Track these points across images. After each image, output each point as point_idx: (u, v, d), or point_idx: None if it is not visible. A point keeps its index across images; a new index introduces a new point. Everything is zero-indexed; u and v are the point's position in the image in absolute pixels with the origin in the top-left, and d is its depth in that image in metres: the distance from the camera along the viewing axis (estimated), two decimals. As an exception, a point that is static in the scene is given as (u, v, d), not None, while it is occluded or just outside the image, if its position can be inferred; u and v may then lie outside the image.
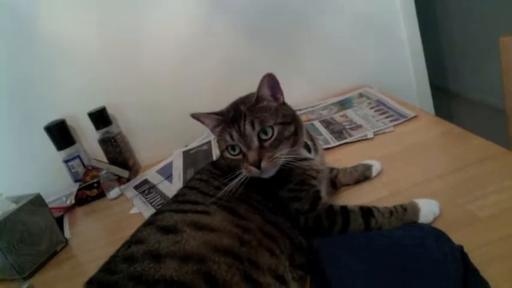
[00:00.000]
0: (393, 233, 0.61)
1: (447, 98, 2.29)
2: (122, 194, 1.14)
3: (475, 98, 2.17)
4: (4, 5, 1.17)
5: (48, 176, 1.29)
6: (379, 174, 0.81)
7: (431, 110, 1.43)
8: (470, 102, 2.21)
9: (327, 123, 1.12)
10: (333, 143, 1.01)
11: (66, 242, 0.98)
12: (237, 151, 0.67)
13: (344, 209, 0.64)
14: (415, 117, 1.00)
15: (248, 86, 1.30)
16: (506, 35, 1.00)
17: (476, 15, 2.04)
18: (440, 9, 2.33)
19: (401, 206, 0.64)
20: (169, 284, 0.48)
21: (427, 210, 0.63)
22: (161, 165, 1.23)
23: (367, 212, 0.63)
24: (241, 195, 0.64)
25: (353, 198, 0.77)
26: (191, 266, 0.50)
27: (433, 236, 0.57)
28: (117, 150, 1.25)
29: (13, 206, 0.90)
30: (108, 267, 0.53)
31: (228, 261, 0.52)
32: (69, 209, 1.17)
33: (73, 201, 1.18)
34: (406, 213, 0.63)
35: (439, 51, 2.41)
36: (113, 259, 0.55)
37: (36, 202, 0.92)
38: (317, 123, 1.14)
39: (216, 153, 1.15)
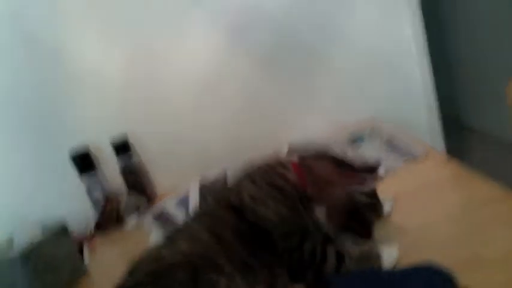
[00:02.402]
0: (402, 272, 0.64)
1: (460, 131, 2.31)
2: (140, 223, 1.19)
3: (487, 132, 2.18)
4: (34, 39, 1.26)
5: (69, 202, 1.34)
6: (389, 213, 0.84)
7: (442, 144, 1.45)
8: (483, 136, 2.22)
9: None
10: (345, 179, 1.04)
11: (86, 270, 1.02)
12: None
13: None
14: (425, 156, 1.04)
15: (263, 116, 1.37)
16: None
17: (490, 48, 2.08)
18: (453, 42, 2.38)
19: (367, 252, 0.70)
20: None
21: (388, 258, 0.69)
22: (178, 195, 1.27)
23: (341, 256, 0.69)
24: None
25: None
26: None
27: (441, 276, 0.60)
28: (137, 179, 1.30)
29: (39, 235, 0.95)
30: None
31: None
32: (89, 237, 1.22)
33: (93, 229, 1.23)
34: (370, 261, 0.69)
35: (452, 83, 2.44)
36: None
37: (61, 231, 0.98)
38: (329, 159, 1.18)
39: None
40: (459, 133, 2.19)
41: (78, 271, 1.00)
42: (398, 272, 0.64)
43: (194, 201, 1.19)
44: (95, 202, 1.30)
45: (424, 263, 0.65)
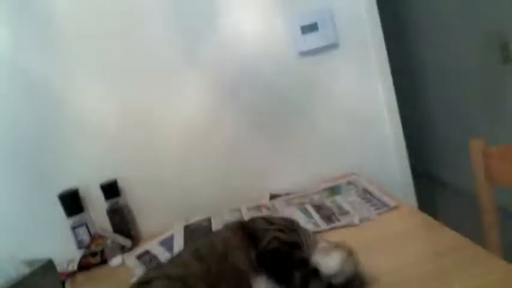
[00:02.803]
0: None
1: (431, 183, 2.44)
2: (123, 263, 1.21)
3: (456, 185, 2.31)
4: (29, 86, 1.35)
5: (53, 240, 1.37)
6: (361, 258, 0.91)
7: (413, 197, 1.56)
8: (452, 189, 2.35)
9: (318, 208, 1.24)
10: (323, 226, 1.11)
11: (69, 306, 1.04)
12: None
13: None
14: (396, 207, 1.13)
15: (247, 166, 1.45)
16: (477, 136, 1.15)
17: (457, 106, 2.26)
18: (424, 104, 2.57)
19: None
20: None
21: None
22: (163, 237, 1.31)
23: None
24: None
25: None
26: None
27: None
28: (123, 221, 1.34)
29: (26, 270, 0.97)
30: None
31: None
32: (71, 274, 1.23)
33: (75, 267, 1.25)
34: None
35: (422, 139, 2.60)
36: None
37: (48, 266, 1.00)
38: (309, 207, 1.25)
39: (215, 230, 1.24)
40: (429, 186, 2.32)
41: (61, 307, 1.01)
42: None
43: (179, 241, 1.24)
44: (79, 242, 1.33)
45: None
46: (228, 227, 0.88)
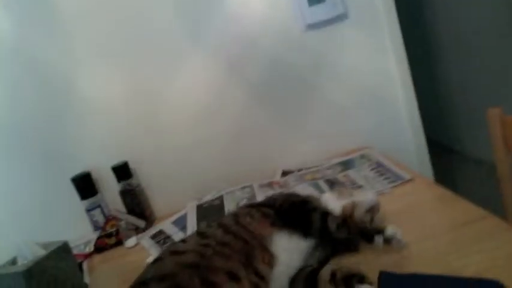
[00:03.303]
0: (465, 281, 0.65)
1: (446, 154, 2.39)
2: (138, 243, 1.23)
3: (472, 155, 2.25)
4: (42, 73, 1.35)
5: (70, 223, 1.40)
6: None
7: (429, 168, 1.52)
8: (467, 159, 2.30)
9: (331, 183, 1.22)
10: (336, 201, 1.10)
11: (86, 287, 1.05)
12: None
13: None
14: (411, 179, 1.10)
15: (258, 143, 1.44)
16: (496, 107, 1.10)
17: (474, 74, 2.18)
18: (439, 70, 2.49)
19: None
20: None
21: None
22: (176, 217, 1.32)
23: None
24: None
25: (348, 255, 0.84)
26: (166, 282, 0.65)
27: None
28: (136, 202, 1.35)
29: (43, 252, 0.99)
30: None
31: (190, 272, 0.67)
32: (88, 255, 1.25)
33: (92, 249, 1.27)
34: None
35: (438, 109, 2.54)
36: None
37: (64, 249, 1.01)
38: (321, 182, 1.24)
39: (227, 208, 1.24)
40: (445, 157, 2.27)
41: (80, 287, 1.03)
42: (461, 281, 0.64)
43: (192, 221, 1.24)
44: (95, 223, 1.35)
45: (489, 278, 0.65)
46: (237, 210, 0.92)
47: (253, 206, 0.89)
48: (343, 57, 1.42)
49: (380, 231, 0.79)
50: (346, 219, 0.81)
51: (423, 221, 0.91)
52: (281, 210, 0.84)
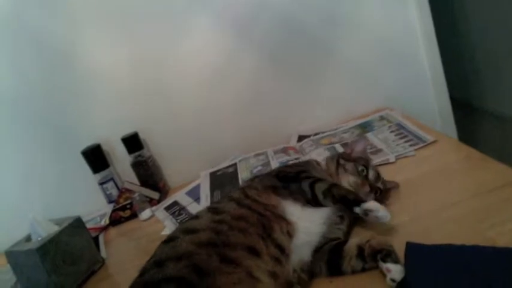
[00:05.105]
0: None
1: (471, 112, 2.28)
2: (153, 215, 1.21)
3: (498, 112, 2.15)
4: (51, 47, 1.29)
5: (84, 197, 1.38)
6: (399, 198, 0.84)
7: (453, 128, 1.44)
8: (493, 116, 2.19)
9: (349, 147, 1.16)
10: (355, 166, 1.04)
11: (103, 261, 1.04)
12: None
13: None
14: (434, 141, 1.03)
15: (272, 108, 1.37)
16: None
17: (499, 31, 2.04)
18: (462, 27, 2.34)
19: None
20: (169, 280, 0.60)
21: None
22: (190, 187, 1.29)
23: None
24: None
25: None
26: (183, 262, 0.62)
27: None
28: (148, 173, 1.32)
29: (56, 228, 0.97)
30: (131, 285, 0.65)
31: (207, 251, 0.64)
32: (104, 229, 1.24)
33: (107, 222, 1.26)
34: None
35: (461, 65, 2.41)
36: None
37: (77, 224, 1.00)
38: (338, 147, 1.18)
39: (241, 175, 1.20)
40: (471, 117, 2.17)
41: (96, 262, 1.02)
42: (502, 252, 0.58)
43: (205, 189, 1.21)
44: (109, 196, 1.33)
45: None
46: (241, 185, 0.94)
47: (253, 179, 0.88)
48: (361, 13, 1.32)
49: (359, 202, 0.74)
50: (332, 185, 0.79)
51: (450, 186, 0.85)
52: (278, 175, 0.85)
